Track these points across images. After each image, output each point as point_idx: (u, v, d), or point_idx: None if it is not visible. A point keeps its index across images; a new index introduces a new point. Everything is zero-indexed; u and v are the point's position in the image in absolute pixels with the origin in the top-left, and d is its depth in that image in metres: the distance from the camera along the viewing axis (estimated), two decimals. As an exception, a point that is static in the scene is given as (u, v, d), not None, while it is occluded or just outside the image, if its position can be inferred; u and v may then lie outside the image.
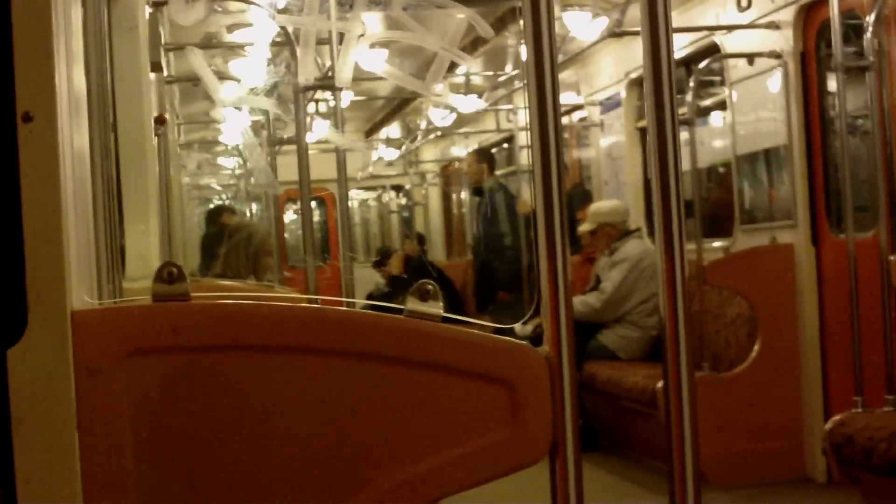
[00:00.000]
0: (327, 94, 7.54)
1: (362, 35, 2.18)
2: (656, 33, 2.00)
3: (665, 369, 2.02)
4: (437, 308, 1.92)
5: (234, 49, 6.11)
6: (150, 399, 1.83)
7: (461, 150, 13.77)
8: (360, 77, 2.31)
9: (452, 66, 9.74)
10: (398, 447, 1.91)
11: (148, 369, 1.83)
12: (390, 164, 14.70)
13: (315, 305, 2.12)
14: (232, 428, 1.87)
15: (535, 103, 1.95)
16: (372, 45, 2.17)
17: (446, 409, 1.92)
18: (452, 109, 10.93)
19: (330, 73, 5.29)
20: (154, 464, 1.84)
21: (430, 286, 1.92)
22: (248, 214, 12.67)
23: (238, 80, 5.13)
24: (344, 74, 2.07)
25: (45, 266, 1.75)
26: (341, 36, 2.19)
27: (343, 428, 1.89)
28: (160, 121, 5.46)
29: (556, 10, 7.70)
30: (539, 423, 1.91)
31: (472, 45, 9.21)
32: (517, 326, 2.61)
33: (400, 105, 13.24)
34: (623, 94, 8.88)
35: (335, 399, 1.89)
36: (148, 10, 4.86)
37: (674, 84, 2.01)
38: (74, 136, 1.98)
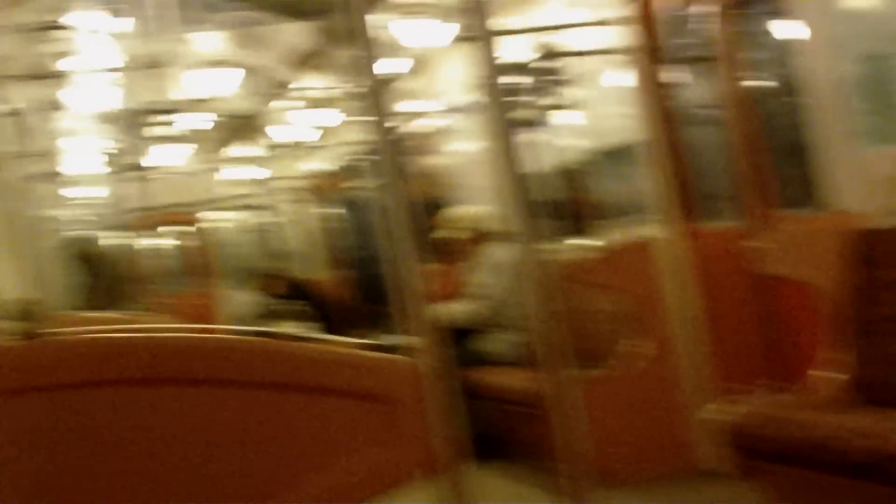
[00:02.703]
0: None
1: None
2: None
3: (544, 371, 2.08)
4: (309, 329, 1.89)
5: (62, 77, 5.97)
6: (21, 440, 1.75)
7: (315, 164, 13.66)
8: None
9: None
10: (278, 470, 1.85)
11: (19, 409, 1.76)
12: (249, 183, 14.52)
13: (182, 335, 2.05)
14: (108, 462, 1.82)
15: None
16: (199, 67, 2.12)
17: (325, 429, 1.89)
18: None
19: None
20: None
21: (304, 307, 1.90)
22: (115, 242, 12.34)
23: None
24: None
25: None
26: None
27: (224, 455, 1.84)
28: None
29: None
30: (418, 436, 1.88)
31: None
32: None
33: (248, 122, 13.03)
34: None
35: (212, 428, 1.84)
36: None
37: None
38: None
